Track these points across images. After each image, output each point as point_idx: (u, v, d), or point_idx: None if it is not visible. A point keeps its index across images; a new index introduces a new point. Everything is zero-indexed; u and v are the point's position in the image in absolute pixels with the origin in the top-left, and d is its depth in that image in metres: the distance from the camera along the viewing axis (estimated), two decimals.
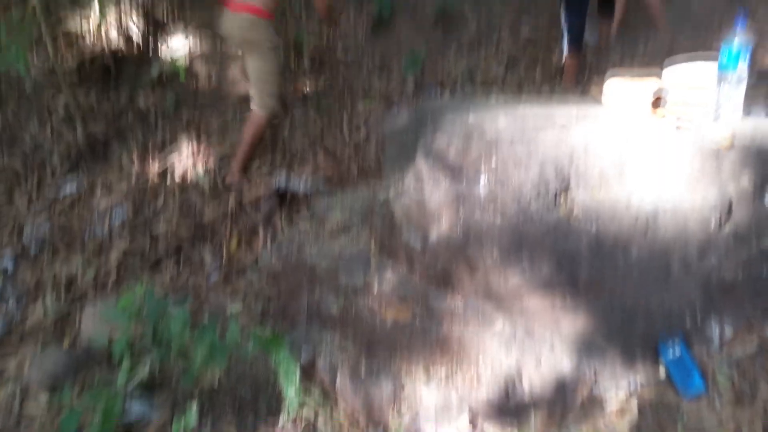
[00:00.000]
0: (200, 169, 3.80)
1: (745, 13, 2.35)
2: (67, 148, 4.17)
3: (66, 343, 2.91)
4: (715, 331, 2.07)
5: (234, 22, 3.54)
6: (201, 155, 3.91)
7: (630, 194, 2.07)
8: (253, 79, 3.66)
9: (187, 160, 3.88)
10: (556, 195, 2.12)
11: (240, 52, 3.88)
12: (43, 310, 3.11)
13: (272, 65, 3.66)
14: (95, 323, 2.73)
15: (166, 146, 4.16)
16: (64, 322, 3.06)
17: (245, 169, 3.75)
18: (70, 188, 3.89)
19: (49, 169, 4.07)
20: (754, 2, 5.18)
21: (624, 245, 2.06)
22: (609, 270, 2.08)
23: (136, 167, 3.94)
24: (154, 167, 3.87)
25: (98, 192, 3.79)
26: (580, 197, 2.10)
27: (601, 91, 2.67)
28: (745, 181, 2.07)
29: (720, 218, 2.05)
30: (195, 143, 4.03)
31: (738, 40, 2.18)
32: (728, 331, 2.07)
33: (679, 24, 5.05)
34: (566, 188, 2.12)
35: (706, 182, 2.07)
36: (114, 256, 3.35)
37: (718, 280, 2.06)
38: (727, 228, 2.06)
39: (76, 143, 4.14)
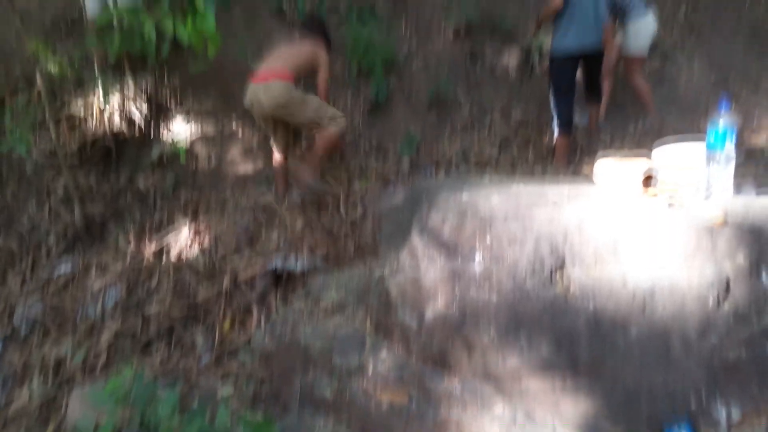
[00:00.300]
0: (196, 248, 3.79)
1: (728, 96, 2.44)
2: (64, 228, 4.17)
3: (50, 428, 2.80)
4: (721, 414, 2.01)
5: (262, 91, 3.81)
6: (198, 235, 3.91)
7: (626, 272, 2.06)
8: (307, 120, 3.97)
9: (183, 239, 3.88)
10: (551, 272, 2.11)
11: (270, 121, 4.09)
12: (29, 393, 3.01)
13: (315, 101, 3.97)
14: (82, 407, 2.64)
15: (163, 226, 4.17)
16: (49, 407, 2.95)
17: (317, 171, 4.06)
18: (64, 268, 3.86)
19: (45, 249, 4.06)
20: (737, 85, 5.39)
21: (623, 324, 2.03)
22: (609, 349, 2.04)
23: (132, 247, 3.93)
24: (150, 247, 3.87)
25: (93, 272, 3.77)
26: (576, 274, 2.09)
27: (592, 171, 2.71)
28: (741, 259, 2.06)
29: (718, 296, 2.03)
30: (192, 223, 4.04)
31: (724, 121, 2.24)
32: (735, 414, 2.01)
33: (667, 106, 5.22)
34: (561, 265, 2.11)
35: (701, 260, 2.07)
36: (105, 337, 3.29)
37: (721, 360, 2.01)
38: (726, 306, 2.03)
39: (73, 224, 4.15)
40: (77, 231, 4.10)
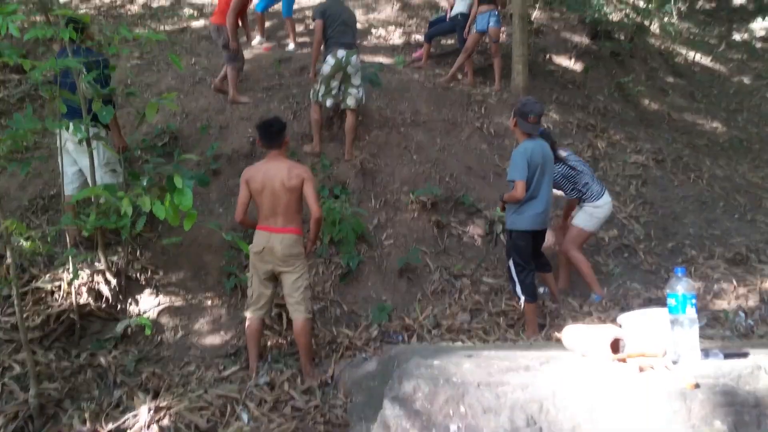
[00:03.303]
0: (155, 428, 3.57)
1: (685, 261, 2.57)
2: (15, 407, 3.92)
3: None
4: None
5: (278, 240, 4.03)
6: (158, 413, 3.70)
7: None
8: (297, 291, 4.12)
9: (142, 418, 3.67)
10: None
11: (267, 271, 4.16)
12: None
13: (308, 275, 4.24)
14: None
15: (122, 404, 3.96)
16: None
17: (313, 359, 4.24)
18: None
19: None
20: (694, 250, 5.64)
21: None
22: None
23: (87, 428, 3.68)
24: (105, 427, 3.63)
25: None
26: None
27: (561, 337, 2.73)
28: (718, 424, 2.03)
29: None
30: (153, 401, 3.85)
31: (682, 286, 2.33)
32: None
33: (630, 272, 5.40)
34: None
35: (679, 425, 2.03)
36: None
37: None
38: None
39: (26, 403, 3.91)
40: (30, 410, 3.85)
